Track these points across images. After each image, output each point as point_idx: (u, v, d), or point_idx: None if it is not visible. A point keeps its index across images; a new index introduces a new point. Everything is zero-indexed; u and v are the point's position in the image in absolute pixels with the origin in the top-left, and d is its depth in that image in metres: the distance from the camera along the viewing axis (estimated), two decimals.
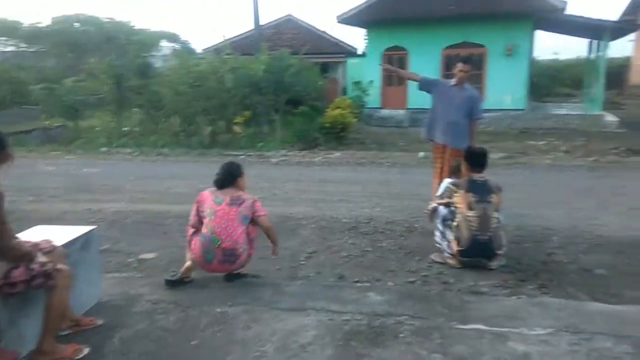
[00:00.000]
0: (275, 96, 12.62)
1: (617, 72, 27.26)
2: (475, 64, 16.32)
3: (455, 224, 3.96)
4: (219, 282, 3.61)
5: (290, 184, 7.46)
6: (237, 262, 3.51)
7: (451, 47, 16.38)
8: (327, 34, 25.73)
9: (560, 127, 15.52)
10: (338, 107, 13.79)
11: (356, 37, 68.02)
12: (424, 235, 4.89)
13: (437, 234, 4.24)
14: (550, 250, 4.41)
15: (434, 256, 4.23)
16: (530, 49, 16.14)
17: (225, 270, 3.57)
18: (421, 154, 9.68)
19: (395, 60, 17.18)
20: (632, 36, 26.42)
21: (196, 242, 3.53)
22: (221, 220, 3.45)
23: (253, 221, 3.58)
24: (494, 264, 3.91)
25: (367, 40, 17.89)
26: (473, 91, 5.52)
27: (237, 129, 12.78)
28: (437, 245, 4.26)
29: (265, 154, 10.63)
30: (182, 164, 9.90)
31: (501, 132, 14.66)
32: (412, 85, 16.88)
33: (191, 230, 3.62)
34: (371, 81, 16.66)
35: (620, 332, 2.74)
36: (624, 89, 27.85)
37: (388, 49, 17.07)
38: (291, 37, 24.97)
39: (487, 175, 4.02)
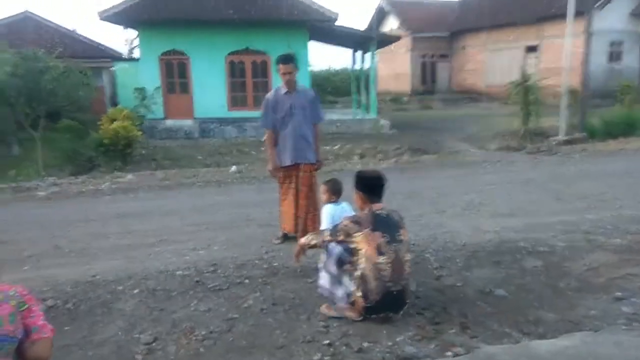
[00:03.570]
0: (29, 107, 9.71)
1: (365, 80, 31.18)
2: (263, 71, 16.11)
3: (358, 273, 3.03)
4: None
5: (79, 227, 5.45)
6: None
7: (235, 53, 15.69)
8: (80, 34, 22.22)
9: (343, 131, 16.38)
10: (114, 119, 11.57)
11: (115, 40, 61.72)
12: (292, 276, 3.86)
13: (325, 276, 3.26)
14: (435, 271, 3.90)
15: (325, 309, 3.23)
16: (307, 58, 16.58)
17: None
18: (233, 167, 8.58)
19: (175, 65, 15.60)
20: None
21: None
22: None
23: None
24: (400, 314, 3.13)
25: (140, 43, 15.76)
26: (308, 92, 4.73)
27: None
28: (323, 292, 3.28)
29: (23, 185, 7.92)
30: None
31: None
32: (197, 92, 15.67)
33: None
34: (158, 87, 14.71)
35: None
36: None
37: (165, 53, 15.37)
38: (35, 37, 20.67)
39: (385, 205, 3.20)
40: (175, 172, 8.71)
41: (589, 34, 11.51)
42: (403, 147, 12.27)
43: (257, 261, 4.21)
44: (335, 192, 3.82)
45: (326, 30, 16.33)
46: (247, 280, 3.79)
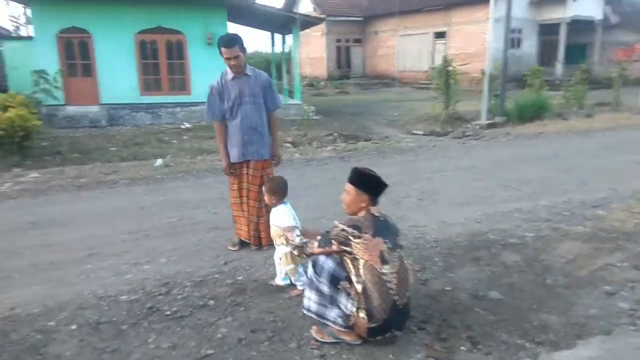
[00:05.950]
0: None
1: (280, 64, 30.49)
2: (178, 52, 14.82)
3: (359, 288, 2.61)
4: None
5: None
6: None
7: (146, 31, 14.29)
8: None
9: None
10: (7, 106, 9.94)
11: None
12: (264, 292, 3.35)
13: (313, 297, 2.80)
14: (419, 274, 3.60)
15: (317, 334, 2.78)
16: None
17: None
18: (159, 161, 7.66)
19: (75, 44, 13.89)
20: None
21: None
22: None
23: None
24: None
25: (33, 18, 13.80)
26: (260, 75, 4.09)
27: None
28: (310, 314, 2.83)
29: None
30: None
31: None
32: (103, 75, 14.13)
33: None
34: (60, 70, 13.00)
35: None
36: (290, 79, 31.42)
37: (64, 30, 13.59)
38: None
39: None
40: (90, 167, 7.59)
41: (508, 19, 11.96)
42: (334, 134, 11.97)
43: (217, 275, 3.63)
44: (277, 193, 3.37)
45: (245, 10, 15.45)
46: (212, 302, 3.22)
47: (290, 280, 3.38)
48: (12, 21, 27.42)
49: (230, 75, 3.96)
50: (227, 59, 3.82)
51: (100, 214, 5.22)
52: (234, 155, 4.06)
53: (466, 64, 14.66)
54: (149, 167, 7.50)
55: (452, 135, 11.32)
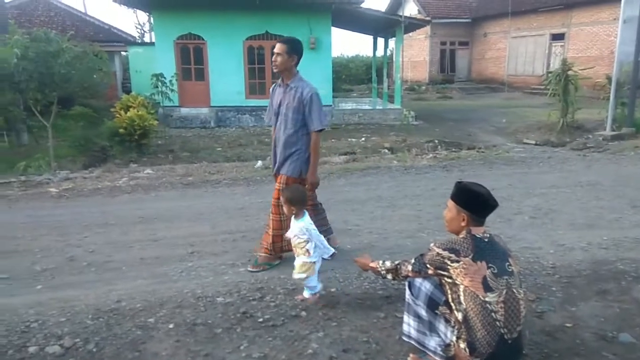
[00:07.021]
0: (40, 93, 9.02)
1: (381, 68, 30.11)
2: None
3: (459, 316, 2.34)
4: None
5: (96, 234, 4.79)
6: None
7: (253, 37, 14.90)
8: (91, 17, 21.63)
9: (366, 122, 15.62)
10: (128, 107, 10.89)
11: (124, 23, 60.53)
12: (357, 307, 3.18)
13: (412, 322, 2.57)
14: (533, 305, 3.19)
15: None
16: (330, 44, 15.71)
17: None
18: (259, 163, 7.87)
19: (191, 50, 14.87)
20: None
21: None
22: None
23: None
24: None
25: (154, 26, 15.04)
26: (303, 88, 3.68)
27: None
28: (411, 340, 2.59)
29: (34, 179, 7.27)
30: None
31: None
32: (214, 79, 14.93)
33: None
34: (176, 73, 14.02)
35: None
36: (390, 83, 30.98)
37: (181, 37, 14.62)
38: (46, 20, 20.15)
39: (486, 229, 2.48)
40: (197, 166, 8.01)
41: None
42: (435, 141, 11.50)
43: None
44: (296, 202, 3.20)
45: (350, 14, 15.47)
46: (304, 313, 3.11)
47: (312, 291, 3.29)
48: (138, 28, 30.26)
49: (280, 81, 3.83)
50: (273, 52, 3.72)
51: (203, 213, 5.41)
52: (275, 166, 3.96)
53: (590, 67, 13.26)
54: (250, 168, 7.72)
55: (570, 146, 10.31)
